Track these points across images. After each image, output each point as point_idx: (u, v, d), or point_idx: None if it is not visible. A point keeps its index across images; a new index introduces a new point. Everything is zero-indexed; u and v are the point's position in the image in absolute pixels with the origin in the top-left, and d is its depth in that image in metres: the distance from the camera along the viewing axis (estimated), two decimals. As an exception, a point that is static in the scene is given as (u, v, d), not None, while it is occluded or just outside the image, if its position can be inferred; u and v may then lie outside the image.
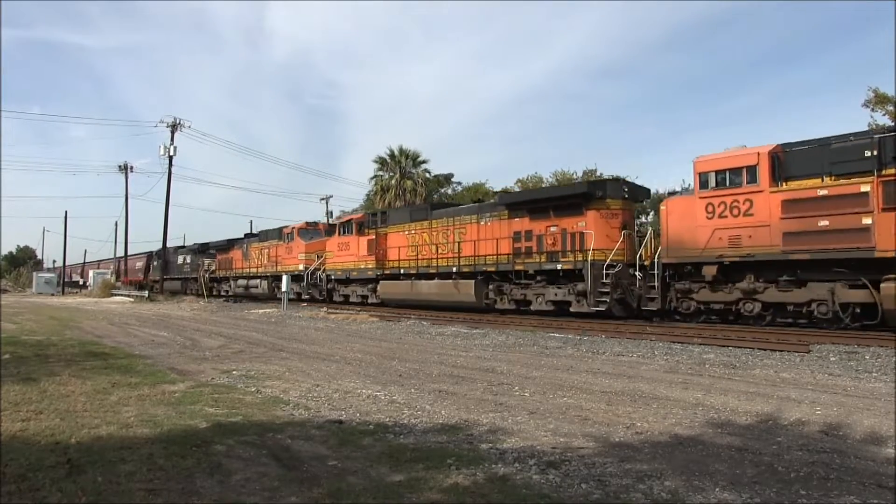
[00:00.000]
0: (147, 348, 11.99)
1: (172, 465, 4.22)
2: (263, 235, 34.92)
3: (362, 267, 24.92)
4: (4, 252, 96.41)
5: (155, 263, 48.98)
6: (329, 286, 27.69)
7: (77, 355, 10.56)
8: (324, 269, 27.83)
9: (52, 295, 52.45)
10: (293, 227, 31.69)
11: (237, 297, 35.67)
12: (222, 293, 38.75)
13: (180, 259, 45.62)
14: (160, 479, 3.96)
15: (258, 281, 33.56)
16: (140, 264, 53.50)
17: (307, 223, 32.59)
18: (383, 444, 4.88)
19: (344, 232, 26.60)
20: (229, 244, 38.74)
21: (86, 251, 73.91)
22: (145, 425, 5.40)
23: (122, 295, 43.11)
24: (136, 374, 8.47)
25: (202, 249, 42.75)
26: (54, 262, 79.76)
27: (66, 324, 18.60)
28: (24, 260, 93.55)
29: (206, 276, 39.82)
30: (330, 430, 5.39)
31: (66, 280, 63.23)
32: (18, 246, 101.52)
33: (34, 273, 67.63)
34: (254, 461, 4.40)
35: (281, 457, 4.52)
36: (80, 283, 64.38)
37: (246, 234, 39.05)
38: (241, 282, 35.68)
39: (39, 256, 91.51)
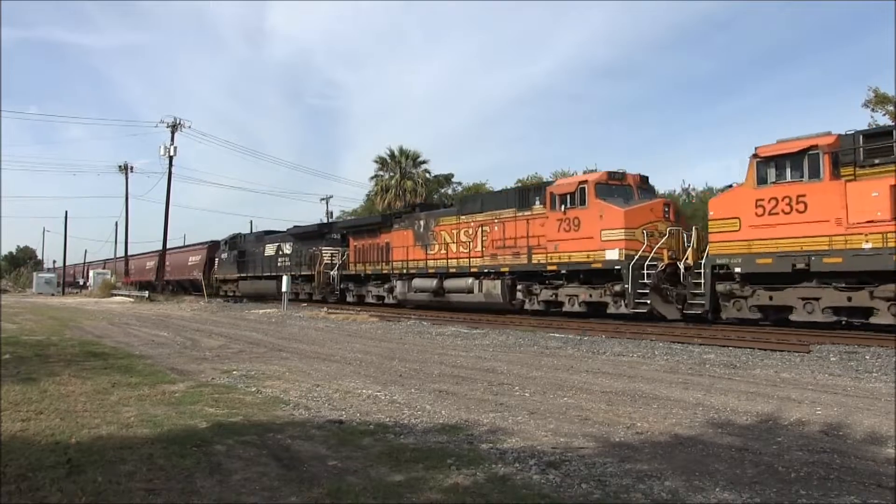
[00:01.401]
0: (147, 348, 11.99)
1: (172, 465, 4.22)
2: (470, 204, 21.20)
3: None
4: (4, 252, 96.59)
5: (224, 256, 36.83)
6: (726, 288, 13.62)
7: (77, 355, 10.56)
8: (705, 256, 14.14)
9: (52, 295, 52.44)
10: (579, 181, 17.29)
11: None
12: (371, 298, 25.37)
13: (270, 249, 31.90)
14: (160, 479, 3.96)
15: (470, 281, 20.01)
16: (196, 258, 40.26)
17: (609, 174, 17.10)
18: (383, 444, 4.88)
19: (793, 174, 12.57)
20: (384, 221, 25.17)
21: (86, 251, 73.88)
22: (145, 425, 5.40)
23: (122, 295, 43.07)
24: (137, 374, 8.47)
25: (319, 233, 29.44)
26: (54, 262, 79.83)
27: (66, 324, 18.60)
28: (24, 260, 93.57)
29: (336, 272, 26.83)
30: (330, 430, 5.39)
31: (67, 280, 63.10)
32: (18, 246, 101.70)
33: (34, 273, 67.55)
34: (254, 461, 4.39)
35: (281, 457, 4.52)
36: (81, 283, 63.96)
37: (417, 205, 25.83)
38: (419, 282, 22.17)
39: (39, 256, 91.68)
